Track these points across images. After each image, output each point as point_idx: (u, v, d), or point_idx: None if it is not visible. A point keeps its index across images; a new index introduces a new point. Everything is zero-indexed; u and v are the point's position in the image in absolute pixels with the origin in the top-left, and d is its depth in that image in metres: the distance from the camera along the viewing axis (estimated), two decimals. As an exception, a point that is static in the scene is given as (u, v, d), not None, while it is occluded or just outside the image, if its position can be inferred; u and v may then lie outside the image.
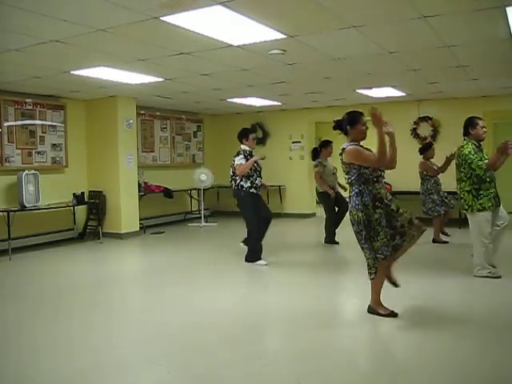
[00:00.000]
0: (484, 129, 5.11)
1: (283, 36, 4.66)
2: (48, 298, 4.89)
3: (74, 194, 7.88)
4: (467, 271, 5.22)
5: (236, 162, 5.93)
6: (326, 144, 7.49)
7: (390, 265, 4.03)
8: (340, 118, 4.03)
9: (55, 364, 3.22)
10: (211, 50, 5.16)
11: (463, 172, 5.08)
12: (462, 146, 5.08)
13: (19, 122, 7.49)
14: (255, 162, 5.97)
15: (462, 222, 8.66)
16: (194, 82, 7.14)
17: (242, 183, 5.91)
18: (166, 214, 10.15)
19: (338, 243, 7.29)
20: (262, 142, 11.19)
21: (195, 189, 10.38)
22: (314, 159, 7.52)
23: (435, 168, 7.29)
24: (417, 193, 7.53)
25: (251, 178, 5.91)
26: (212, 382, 2.96)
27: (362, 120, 3.92)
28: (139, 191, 8.98)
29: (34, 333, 3.83)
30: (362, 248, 3.86)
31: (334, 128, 4.04)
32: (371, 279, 3.90)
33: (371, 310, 4.00)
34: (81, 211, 8.38)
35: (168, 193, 9.76)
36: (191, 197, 10.74)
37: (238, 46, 5.02)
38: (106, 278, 5.73)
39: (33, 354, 3.39)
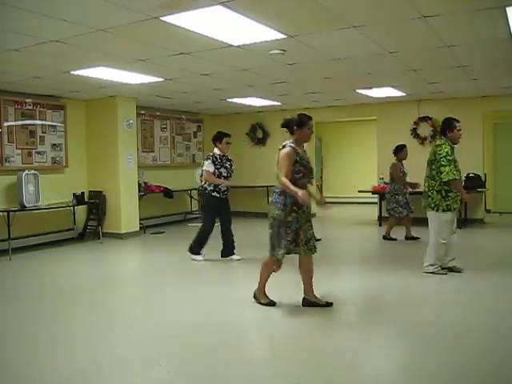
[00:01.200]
0: (460, 132, 5.15)
1: (283, 36, 4.66)
2: (48, 297, 4.89)
3: (74, 194, 7.88)
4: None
5: (203, 167, 6.12)
6: None
7: (310, 290, 4.27)
8: (289, 117, 4.25)
9: (55, 364, 3.22)
10: (211, 50, 5.16)
11: (435, 170, 5.06)
12: (440, 145, 5.07)
13: (19, 122, 7.49)
14: (223, 166, 6.11)
15: (463, 222, 8.68)
16: (194, 82, 7.14)
17: (205, 185, 6.12)
18: (166, 214, 10.15)
19: None
20: (262, 142, 11.19)
21: (195, 189, 10.35)
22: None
23: (401, 175, 7.39)
24: (417, 193, 7.53)
25: None
26: (212, 381, 2.96)
27: (310, 124, 4.15)
28: (139, 191, 8.97)
29: (34, 333, 3.83)
30: (272, 239, 4.06)
31: (282, 126, 4.25)
32: (272, 256, 4.11)
33: (255, 297, 4.39)
34: (81, 211, 8.38)
35: (168, 193, 9.76)
36: (191, 197, 10.74)
37: (238, 46, 5.02)
38: (106, 278, 5.73)
39: (33, 354, 3.39)
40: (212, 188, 6.08)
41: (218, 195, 6.12)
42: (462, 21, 4.30)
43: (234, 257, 6.32)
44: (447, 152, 4.96)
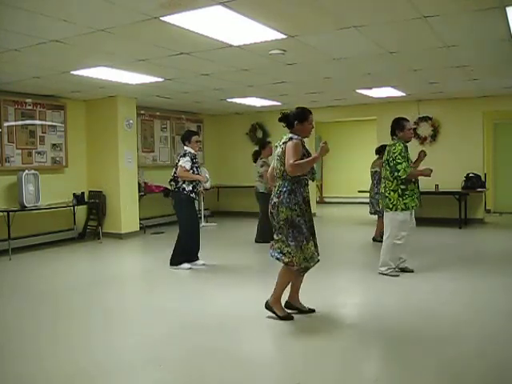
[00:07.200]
0: (411, 130, 5.24)
1: (283, 36, 4.66)
2: (48, 297, 4.88)
3: (74, 194, 7.88)
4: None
5: (180, 163, 5.74)
6: (265, 144, 7.60)
7: (297, 293, 4.08)
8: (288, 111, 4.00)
9: (56, 363, 3.22)
10: (211, 50, 5.16)
11: (389, 170, 5.14)
12: (394, 144, 5.14)
13: (19, 122, 7.49)
14: (197, 169, 5.83)
15: (463, 222, 8.68)
16: (194, 82, 7.14)
17: (184, 186, 5.77)
18: (165, 214, 10.12)
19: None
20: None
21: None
22: (255, 161, 7.60)
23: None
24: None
25: (193, 183, 5.80)
26: (212, 381, 2.96)
27: (311, 118, 3.92)
28: (139, 191, 8.97)
29: (35, 332, 3.84)
30: (287, 244, 3.75)
31: (280, 120, 3.97)
32: (286, 263, 3.79)
33: (268, 307, 3.99)
34: (81, 211, 8.38)
35: (168, 193, 9.73)
36: (191, 197, 10.74)
37: (238, 46, 5.02)
38: (105, 278, 5.73)
39: (34, 353, 3.39)
40: (191, 189, 5.77)
41: (195, 196, 5.90)
42: (461, 21, 4.31)
43: (198, 262, 6.07)
44: (401, 150, 5.04)
